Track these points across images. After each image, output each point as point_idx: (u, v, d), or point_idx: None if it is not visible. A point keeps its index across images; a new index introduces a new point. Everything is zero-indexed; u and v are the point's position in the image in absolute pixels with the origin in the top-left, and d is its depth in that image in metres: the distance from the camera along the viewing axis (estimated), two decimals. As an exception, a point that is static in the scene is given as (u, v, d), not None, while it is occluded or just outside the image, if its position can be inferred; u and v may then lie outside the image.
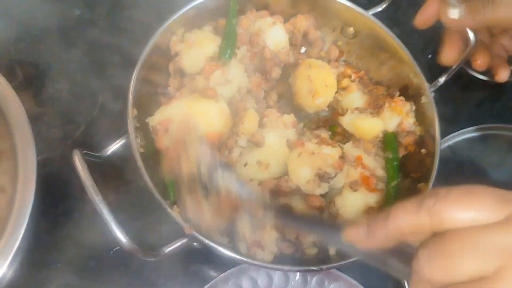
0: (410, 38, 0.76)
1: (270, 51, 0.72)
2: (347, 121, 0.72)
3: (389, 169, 0.69)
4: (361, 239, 0.43)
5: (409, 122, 0.71)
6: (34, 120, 0.63)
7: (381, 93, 0.74)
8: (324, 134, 0.71)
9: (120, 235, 0.54)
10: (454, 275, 0.35)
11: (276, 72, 0.72)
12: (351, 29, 0.77)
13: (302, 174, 0.64)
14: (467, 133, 0.80)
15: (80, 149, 0.57)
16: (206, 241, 0.58)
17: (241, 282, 0.68)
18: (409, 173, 0.70)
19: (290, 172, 0.65)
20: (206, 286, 0.67)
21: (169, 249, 0.57)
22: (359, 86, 0.75)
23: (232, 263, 0.68)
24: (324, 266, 0.61)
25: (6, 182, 0.62)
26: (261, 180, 0.64)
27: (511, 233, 0.35)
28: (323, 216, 0.65)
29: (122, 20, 0.85)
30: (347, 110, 0.73)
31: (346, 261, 0.60)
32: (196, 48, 0.69)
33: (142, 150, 0.62)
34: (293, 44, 0.76)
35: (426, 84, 0.71)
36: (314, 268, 0.61)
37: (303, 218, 0.56)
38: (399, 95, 0.73)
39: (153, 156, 0.64)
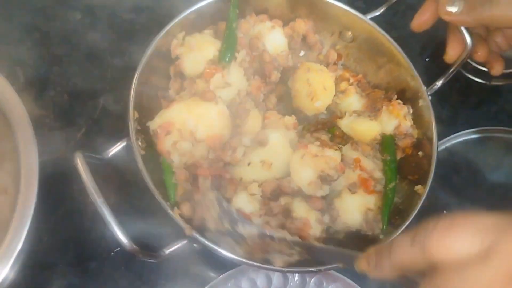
0: (407, 42, 0.76)
1: (270, 55, 0.73)
2: (345, 124, 0.73)
3: (387, 171, 0.70)
4: (371, 270, 0.46)
5: (407, 125, 0.72)
6: (36, 122, 0.64)
7: (379, 96, 0.75)
8: (324, 136, 0.71)
9: (121, 236, 0.55)
10: None
11: (275, 76, 0.73)
12: (349, 33, 0.78)
13: (304, 176, 0.65)
14: (464, 136, 0.81)
15: (82, 151, 0.58)
16: (206, 242, 0.59)
17: (241, 283, 0.69)
18: (406, 176, 0.71)
19: (292, 173, 0.65)
20: (206, 287, 0.68)
21: (169, 250, 0.58)
22: (357, 89, 0.76)
23: (231, 264, 0.68)
24: (323, 268, 0.61)
25: (9, 183, 0.63)
26: (264, 180, 0.65)
27: (487, 270, 0.38)
28: (324, 218, 0.65)
29: (123, 24, 0.85)
30: (345, 113, 0.74)
31: (344, 262, 0.61)
32: (196, 52, 0.69)
33: (143, 152, 0.63)
34: (292, 48, 0.76)
35: (423, 87, 0.71)
36: (312, 269, 0.61)
37: (324, 250, 0.59)
38: (397, 99, 0.74)
39: (154, 158, 0.65)
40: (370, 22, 0.74)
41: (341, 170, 0.65)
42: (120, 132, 0.64)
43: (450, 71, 0.72)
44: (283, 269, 0.60)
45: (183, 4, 0.70)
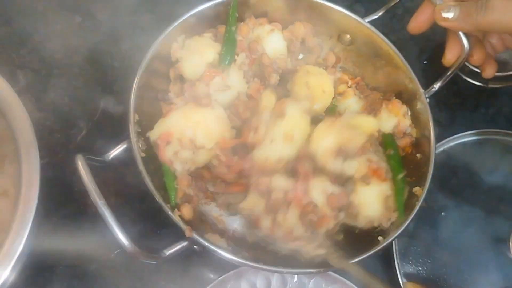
0: (405, 45, 0.77)
1: (269, 58, 0.73)
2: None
3: (393, 164, 0.70)
4: None
5: (406, 123, 0.73)
6: (36, 124, 0.64)
7: (377, 98, 0.76)
8: None
9: (122, 238, 0.55)
10: None
11: (274, 78, 0.73)
12: (348, 36, 0.78)
13: (324, 143, 0.64)
14: (462, 138, 0.81)
15: (83, 153, 0.58)
16: (206, 244, 0.59)
17: (240, 285, 0.69)
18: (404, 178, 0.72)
19: (312, 140, 0.65)
20: (206, 289, 0.68)
21: (169, 251, 0.58)
22: (356, 91, 0.77)
23: (231, 266, 0.69)
24: (322, 269, 0.62)
25: (10, 186, 0.63)
26: (288, 156, 0.64)
27: None
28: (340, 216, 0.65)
29: (123, 27, 0.85)
30: (344, 110, 0.75)
31: (343, 264, 0.61)
32: (196, 55, 0.70)
33: (143, 154, 0.63)
34: (291, 51, 0.77)
35: (421, 90, 0.72)
36: (312, 270, 0.62)
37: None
38: (395, 100, 0.74)
39: (154, 160, 0.65)
40: (369, 26, 0.75)
41: (360, 153, 0.65)
42: (120, 135, 0.64)
43: (448, 74, 0.72)
44: (282, 270, 0.61)
45: (183, 7, 0.71)
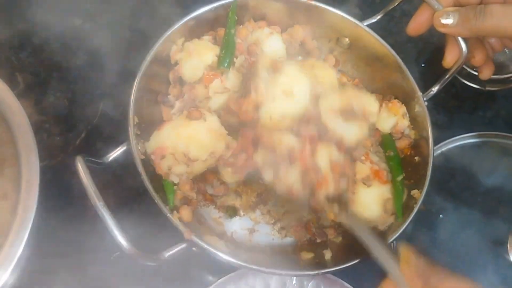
0: (403, 48, 0.78)
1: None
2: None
3: (392, 166, 0.71)
4: None
5: (404, 124, 0.73)
6: (36, 127, 0.64)
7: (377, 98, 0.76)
8: None
9: (121, 240, 0.55)
10: None
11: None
12: (347, 39, 0.79)
13: (330, 102, 0.66)
14: (460, 140, 0.82)
15: (83, 155, 0.58)
16: (205, 246, 0.59)
17: (239, 287, 0.69)
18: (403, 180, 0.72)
19: (321, 98, 0.66)
20: (205, 291, 0.68)
21: (168, 253, 0.59)
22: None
23: (230, 268, 0.69)
24: (320, 271, 0.62)
25: (9, 188, 0.63)
26: (292, 113, 0.65)
27: None
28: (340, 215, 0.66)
29: (123, 30, 0.86)
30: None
31: (342, 266, 0.62)
32: (195, 57, 0.70)
33: (142, 156, 0.64)
34: (290, 54, 0.77)
35: (419, 93, 0.72)
36: (310, 272, 0.62)
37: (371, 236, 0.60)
38: (394, 101, 0.75)
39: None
40: (367, 29, 0.75)
41: (366, 119, 0.66)
42: (119, 137, 0.65)
43: (446, 77, 0.73)
44: (281, 272, 0.61)
45: (183, 10, 0.71)
